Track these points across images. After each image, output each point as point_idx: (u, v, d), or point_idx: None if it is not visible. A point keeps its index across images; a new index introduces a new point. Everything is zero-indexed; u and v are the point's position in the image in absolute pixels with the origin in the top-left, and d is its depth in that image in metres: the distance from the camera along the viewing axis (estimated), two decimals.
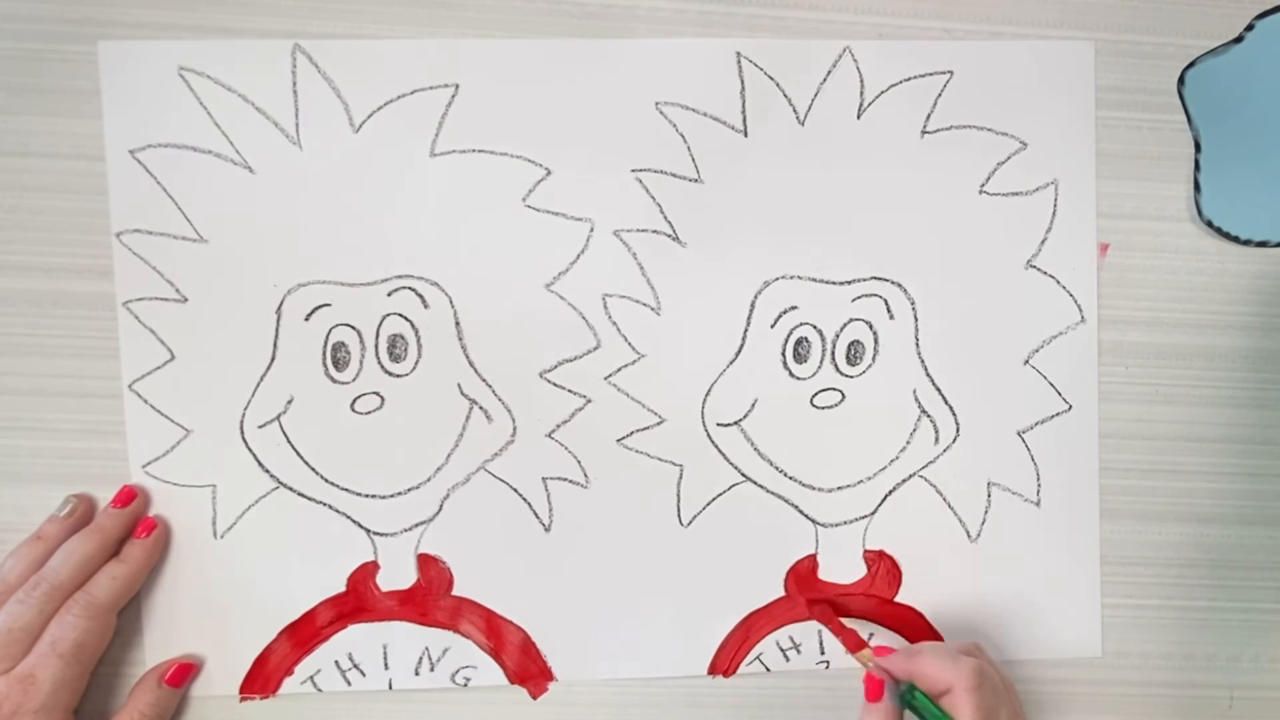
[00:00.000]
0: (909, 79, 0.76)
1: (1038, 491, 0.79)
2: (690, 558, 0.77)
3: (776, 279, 0.76)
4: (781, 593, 0.78)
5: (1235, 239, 0.78)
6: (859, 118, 0.76)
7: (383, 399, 0.75)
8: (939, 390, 0.78)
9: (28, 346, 0.74)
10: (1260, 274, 0.79)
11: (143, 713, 0.71)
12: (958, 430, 0.78)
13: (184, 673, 0.74)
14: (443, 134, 0.74)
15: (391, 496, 0.75)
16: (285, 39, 0.73)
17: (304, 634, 0.75)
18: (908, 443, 0.78)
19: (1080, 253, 0.78)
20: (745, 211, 0.76)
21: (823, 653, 0.79)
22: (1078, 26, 0.77)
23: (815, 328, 0.77)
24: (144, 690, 0.73)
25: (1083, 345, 0.78)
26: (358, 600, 0.76)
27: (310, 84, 0.74)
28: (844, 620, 0.76)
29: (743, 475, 0.77)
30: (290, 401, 0.74)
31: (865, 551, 0.78)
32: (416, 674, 0.76)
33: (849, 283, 0.77)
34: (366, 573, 0.75)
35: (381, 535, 0.75)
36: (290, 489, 0.75)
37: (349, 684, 0.76)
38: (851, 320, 0.77)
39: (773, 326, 0.76)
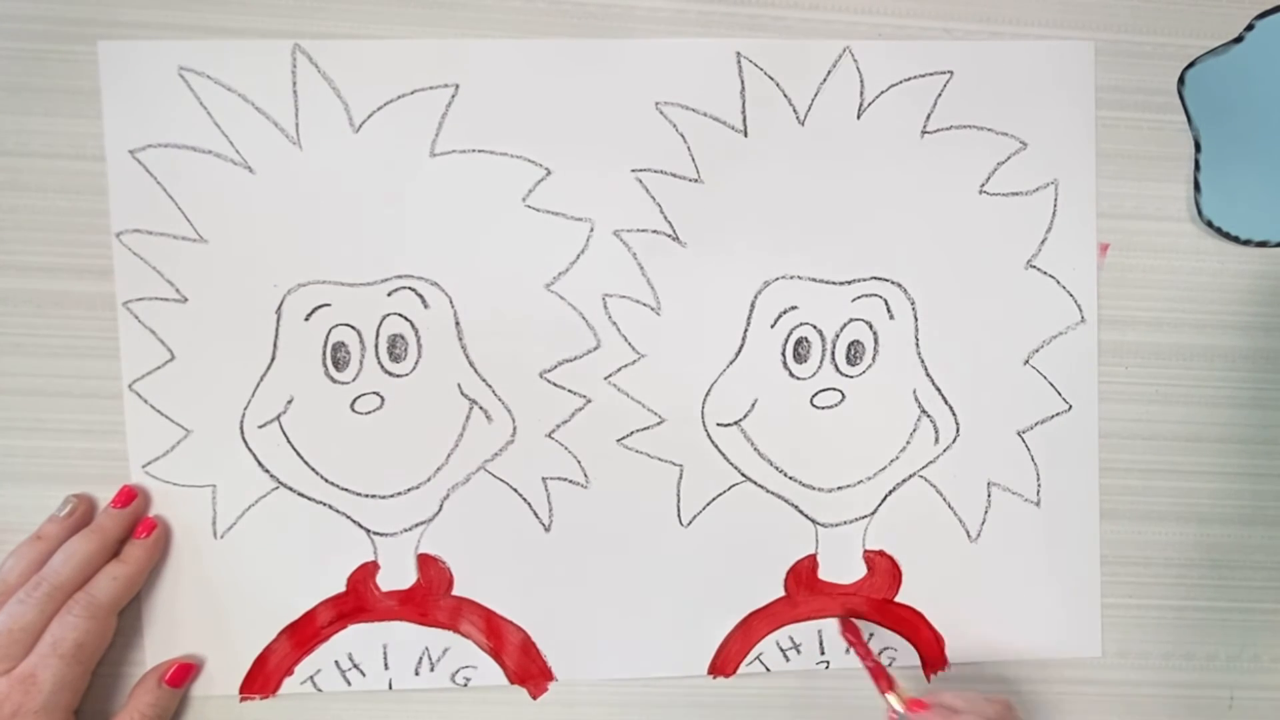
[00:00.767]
0: (909, 79, 0.76)
1: (1038, 491, 0.79)
2: (690, 558, 0.77)
3: (776, 279, 0.76)
4: (781, 593, 0.78)
5: (1235, 239, 0.78)
6: (859, 118, 0.76)
7: (383, 399, 0.75)
8: (939, 390, 0.78)
9: (28, 346, 0.74)
10: (1260, 274, 0.79)
11: (143, 713, 0.72)
12: (958, 430, 0.78)
13: (184, 673, 0.74)
14: (443, 134, 0.74)
15: (391, 496, 0.75)
16: (285, 39, 0.73)
17: (304, 634, 0.75)
18: (908, 443, 0.78)
19: (1080, 253, 0.78)
20: (745, 211, 0.76)
21: (823, 653, 0.79)
22: (1077, 26, 0.77)
23: (815, 328, 0.77)
24: (144, 690, 0.73)
25: (1083, 345, 0.78)
26: (358, 600, 0.76)
27: (310, 84, 0.74)
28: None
29: (743, 475, 0.77)
30: (290, 401, 0.74)
31: (865, 551, 0.78)
32: (416, 674, 0.76)
33: (849, 283, 0.77)
34: (366, 573, 0.75)
35: (381, 535, 0.75)
36: (290, 489, 0.75)
37: (349, 684, 0.76)
38: (851, 320, 0.77)
39: (773, 326, 0.76)
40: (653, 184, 0.75)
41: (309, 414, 0.75)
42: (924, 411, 0.78)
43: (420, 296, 0.75)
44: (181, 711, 0.75)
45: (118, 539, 0.73)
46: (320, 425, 0.74)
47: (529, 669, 0.77)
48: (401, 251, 0.74)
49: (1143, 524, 0.80)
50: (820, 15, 0.76)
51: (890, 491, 0.78)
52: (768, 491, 0.77)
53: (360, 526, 0.75)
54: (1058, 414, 0.78)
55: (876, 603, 0.79)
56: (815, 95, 0.76)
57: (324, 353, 0.74)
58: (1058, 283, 0.78)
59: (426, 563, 0.76)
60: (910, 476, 0.78)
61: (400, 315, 0.75)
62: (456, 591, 0.76)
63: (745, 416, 0.77)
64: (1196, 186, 0.78)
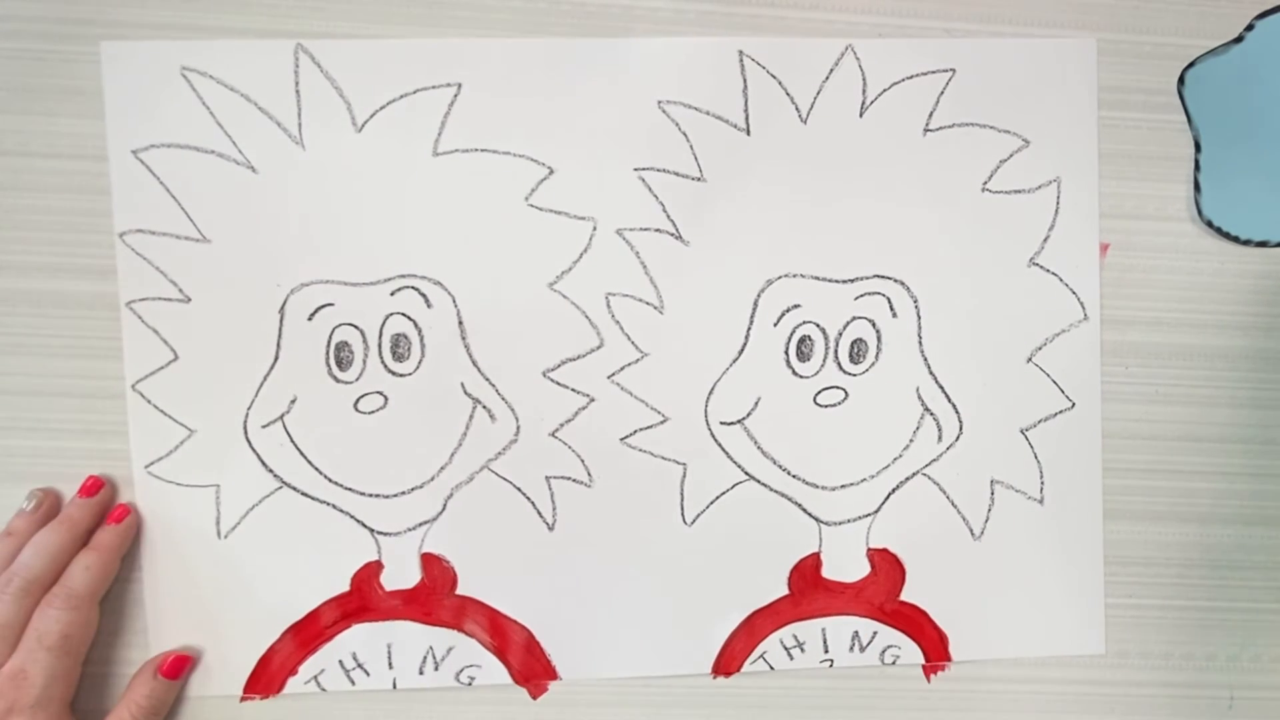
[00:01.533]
0: (911, 77, 0.76)
1: (1041, 489, 0.79)
2: (694, 556, 0.77)
3: (779, 277, 0.76)
4: (785, 591, 0.78)
5: (1235, 239, 0.79)
6: (861, 116, 0.76)
7: (386, 398, 0.75)
8: (942, 388, 0.78)
9: (29, 346, 0.74)
10: (1260, 274, 0.79)
11: (139, 704, 0.71)
12: (961, 428, 0.78)
13: (180, 665, 0.74)
14: (445, 133, 0.74)
15: (395, 496, 0.75)
16: (287, 38, 0.73)
17: (308, 634, 0.75)
18: (911, 441, 0.78)
19: (1083, 250, 0.78)
20: (748, 210, 0.76)
21: (826, 651, 0.79)
22: (1077, 26, 0.77)
23: (818, 326, 0.77)
24: (140, 683, 0.73)
25: (1085, 343, 0.78)
26: (362, 600, 0.75)
27: (312, 83, 0.73)
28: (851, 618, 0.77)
29: (746, 474, 0.77)
30: (294, 401, 0.74)
31: (869, 550, 0.78)
32: (421, 673, 0.76)
33: (852, 281, 0.77)
34: (370, 572, 0.75)
35: (385, 535, 0.75)
36: (294, 489, 0.75)
37: (353, 684, 0.76)
38: (854, 318, 0.77)
39: (775, 325, 0.77)
40: (655, 183, 0.75)
41: (312, 414, 0.74)
42: (927, 409, 0.78)
43: (423, 296, 0.75)
44: (185, 712, 0.75)
45: (87, 529, 0.73)
46: (324, 425, 0.74)
47: (533, 668, 0.77)
48: (404, 251, 0.74)
49: (1143, 524, 0.80)
50: (820, 15, 0.76)
51: (894, 490, 0.78)
52: (771, 490, 0.77)
53: (364, 526, 0.75)
54: (1061, 411, 0.78)
55: (880, 601, 0.79)
56: (818, 94, 0.76)
57: (327, 352, 0.74)
58: (1060, 280, 0.78)
59: (430, 562, 0.76)
60: (913, 475, 0.78)
61: (403, 315, 0.75)
62: (460, 591, 0.76)
63: (748, 415, 0.77)
64: (1196, 186, 0.78)
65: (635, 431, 0.76)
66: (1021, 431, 0.78)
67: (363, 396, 0.75)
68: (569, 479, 0.76)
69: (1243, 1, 0.77)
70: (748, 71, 0.75)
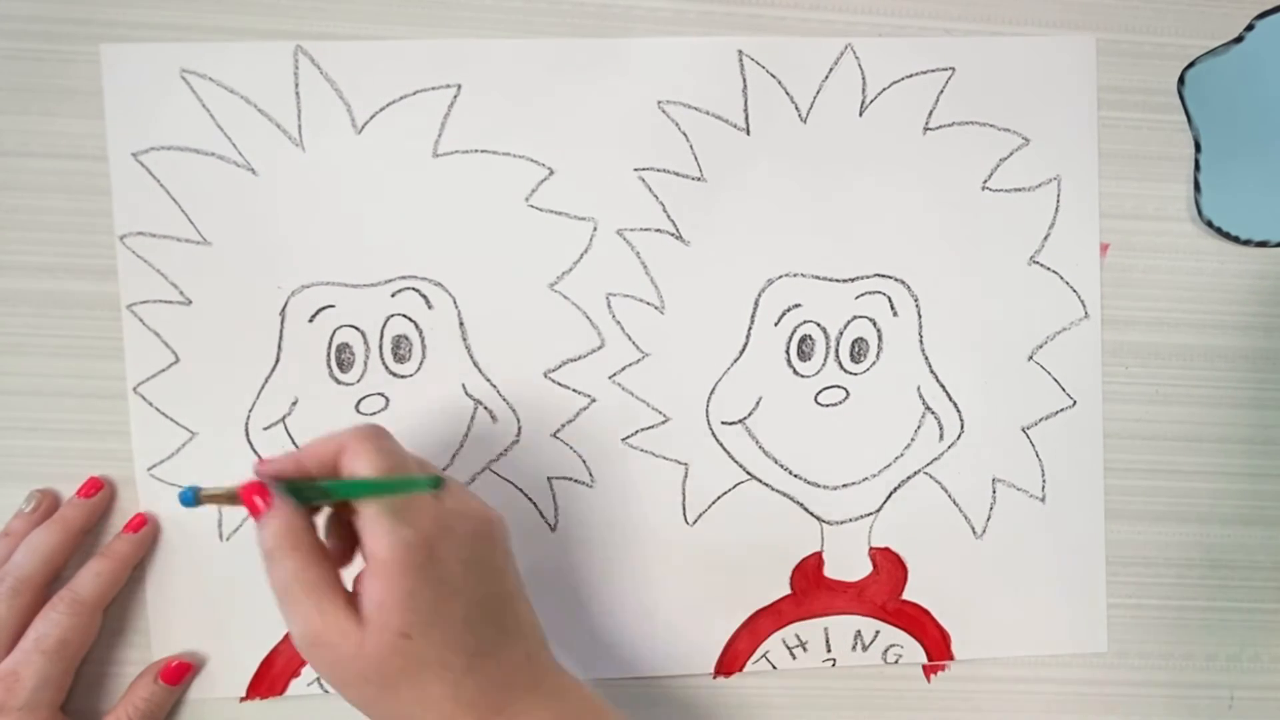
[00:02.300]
0: (911, 75, 0.76)
1: (1043, 487, 0.79)
2: (696, 556, 0.77)
3: (780, 277, 0.76)
4: (787, 590, 0.78)
5: (1235, 239, 0.79)
6: (861, 115, 0.76)
7: (387, 400, 0.75)
8: (943, 387, 0.78)
9: (28, 347, 0.73)
10: (1260, 274, 0.80)
11: (136, 707, 0.71)
12: (962, 427, 0.78)
13: (181, 671, 0.74)
14: (445, 134, 0.74)
15: None
16: (287, 40, 0.73)
17: None
18: (912, 440, 0.78)
19: (1083, 248, 0.78)
20: (748, 209, 0.76)
21: (828, 651, 0.79)
22: (1077, 26, 0.77)
23: (819, 325, 0.77)
24: (140, 686, 0.73)
25: (1086, 341, 0.78)
26: None
27: (312, 85, 0.74)
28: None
29: (748, 473, 0.77)
30: (295, 403, 0.74)
31: (871, 549, 0.78)
32: None
33: (852, 280, 0.77)
34: None
35: None
36: None
37: None
38: (855, 318, 0.77)
39: (776, 324, 0.77)
40: (655, 183, 0.75)
41: (314, 415, 0.74)
42: (928, 408, 0.78)
43: (424, 297, 0.75)
44: (186, 714, 0.75)
45: (82, 530, 0.72)
46: (325, 427, 0.72)
47: None
48: (405, 252, 0.74)
49: (1143, 524, 0.80)
50: (820, 15, 0.76)
51: (895, 488, 0.78)
52: (773, 489, 0.78)
53: None
54: (1062, 409, 0.79)
55: (882, 600, 0.79)
56: (817, 93, 0.76)
57: (328, 354, 0.74)
58: (1061, 278, 0.78)
59: None
60: (915, 473, 0.78)
61: (404, 316, 0.75)
62: None
63: (750, 415, 0.77)
64: (1196, 186, 0.78)
65: (637, 432, 0.76)
66: (1023, 430, 0.78)
67: (364, 398, 0.75)
68: (570, 479, 0.76)
69: (1243, 1, 0.77)
70: (747, 71, 0.75)
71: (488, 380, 0.75)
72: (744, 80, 0.75)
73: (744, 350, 0.77)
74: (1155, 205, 0.79)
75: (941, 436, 0.78)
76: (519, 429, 0.76)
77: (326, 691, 0.75)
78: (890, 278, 0.77)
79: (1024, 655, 0.80)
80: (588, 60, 0.75)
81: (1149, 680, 0.81)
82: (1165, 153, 0.78)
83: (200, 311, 0.74)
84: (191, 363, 0.74)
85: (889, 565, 0.78)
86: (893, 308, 0.77)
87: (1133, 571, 0.80)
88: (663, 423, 0.77)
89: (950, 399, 0.78)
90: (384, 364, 0.75)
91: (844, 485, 0.78)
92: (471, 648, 0.60)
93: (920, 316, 0.77)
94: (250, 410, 0.74)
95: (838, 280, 0.77)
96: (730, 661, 0.78)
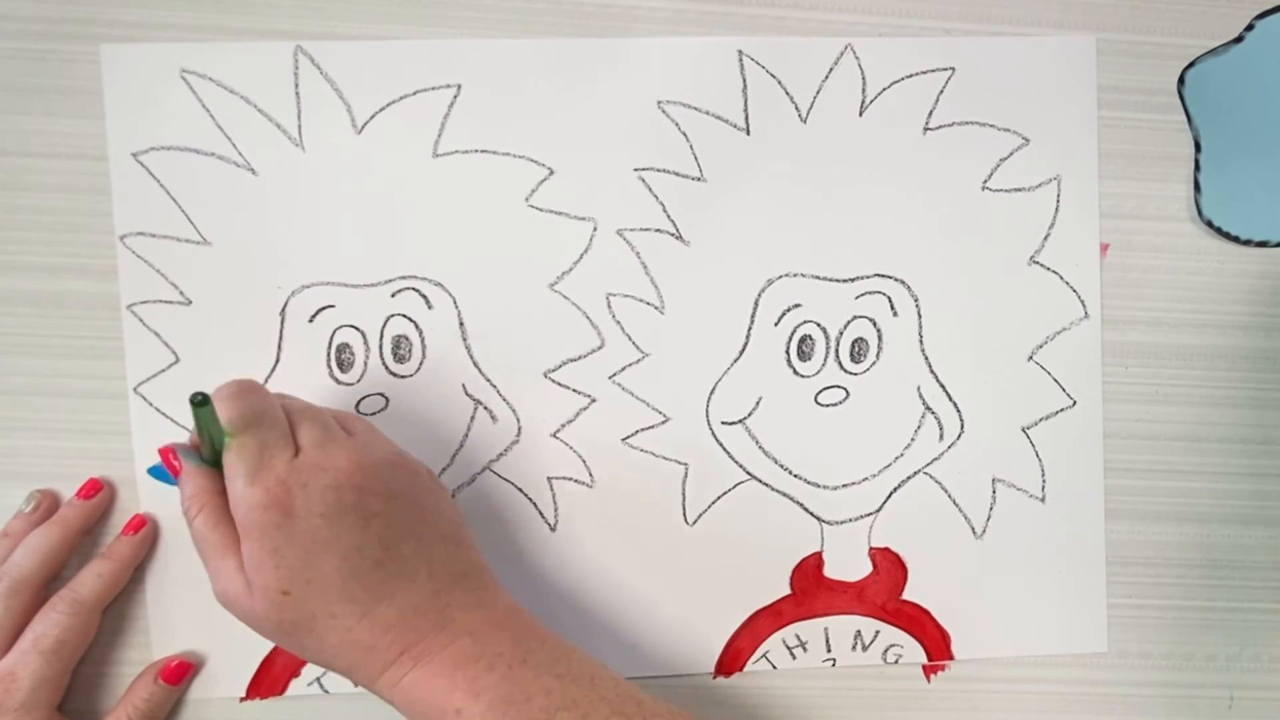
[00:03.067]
0: (911, 75, 0.76)
1: (1043, 487, 0.79)
2: (696, 556, 0.77)
3: (780, 277, 0.76)
4: (787, 590, 0.78)
5: (1235, 239, 0.79)
6: (861, 115, 0.76)
7: (387, 400, 0.75)
8: (943, 387, 0.78)
9: (29, 346, 0.73)
10: (1260, 274, 0.80)
11: (136, 707, 0.72)
12: (962, 427, 0.78)
13: (181, 671, 0.74)
14: (445, 134, 0.74)
15: None
16: (287, 40, 0.73)
17: None
18: (912, 440, 0.78)
19: (1083, 248, 0.78)
20: (748, 210, 0.76)
21: (829, 651, 0.79)
22: (1077, 26, 0.77)
23: (819, 325, 0.77)
24: (140, 686, 0.73)
25: (1086, 341, 0.78)
26: None
27: (312, 85, 0.74)
28: None
29: (748, 474, 0.77)
30: None
31: (871, 549, 0.78)
32: None
33: (852, 280, 0.77)
34: None
35: None
36: None
37: (355, 685, 0.75)
38: (855, 318, 0.77)
39: (776, 324, 0.77)
40: (655, 183, 0.75)
41: None
42: (928, 408, 0.78)
43: (424, 297, 0.75)
44: (186, 714, 0.75)
45: (81, 530, 0.72)
46: None
47: None
48: (405, 252, 0.74)
49: (1143, 524, 0.80)
50: (819, 15, 0.76)
51: (895, 488, 0.78)
52: (773, 490, 0.77)
53: None
54: (1062, 409, 0.78)
55: (882, 600, 0.79)
56: (817, 93, 0.76)
57: (328, 354, 0.74)
58: (1061, 278, 0.78)
59: None
60: (915, 473, 0.78)
61: (404, 316, 0.75)
62: None
63: (750, 415, 0.77)
64: (1196, 186, 0.78)
65: (636, 432, 0.76)
66: (1023, 430, 0.78)
67: (364, 398, 0.75)
68: (570, 479, 0.76)
69: (1243, 1, 0.77)
70: (747, 71, 0.75)
71: (488, 380, 0.75)
72: (744, 80, 0.75)
73: (744, 350, 0.77)
74: (1155, 205, 0.79)
75: (941, 436, 0.78)
76: (519, 429, 0.76)
77: (327, 691, 0.75)
78: (890, 278, 0.77)
79: (1024, 655, 0.79)
80: (588, 60, 0.75)
81: (1149, 680, 0.81)
82: (1165, 153, 0.78)
83: (200, 311, 0.74)
84: (192, 363, 0.74)
85: (889, 565, 0.78)
86: (893, 308, 0.77)
87: (1133, 571, 0.80)
88: (663, 423, 0.77)
89: (950, 399, 0.78)
90: (384, 364, 0.75)
91: (844, 485, 0.78)
92: (358, 596, 0.61)
93: (920, 316, 0.77)
94: None
95: (838, 280, 0.77)
96: (730, 661, 0.78)
